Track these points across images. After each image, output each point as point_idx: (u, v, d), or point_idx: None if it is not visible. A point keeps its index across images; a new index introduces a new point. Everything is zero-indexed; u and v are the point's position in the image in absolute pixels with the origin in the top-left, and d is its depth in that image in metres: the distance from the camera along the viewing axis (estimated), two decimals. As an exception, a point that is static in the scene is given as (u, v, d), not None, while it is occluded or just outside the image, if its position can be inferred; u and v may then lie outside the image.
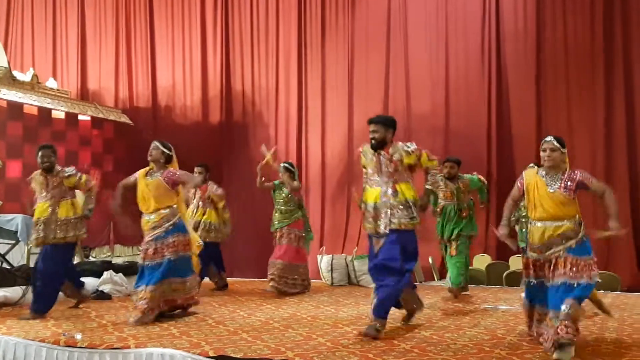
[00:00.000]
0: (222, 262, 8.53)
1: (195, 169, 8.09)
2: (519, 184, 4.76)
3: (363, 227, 5.41)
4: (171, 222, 5.91)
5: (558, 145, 4.58)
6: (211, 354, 4.32)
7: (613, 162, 9.18)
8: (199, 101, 12.00)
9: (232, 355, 4.27)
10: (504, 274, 8.56)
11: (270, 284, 7.83)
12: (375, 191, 5.16)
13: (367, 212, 5.19)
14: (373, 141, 5.19)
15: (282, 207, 8.04)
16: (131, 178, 6.09)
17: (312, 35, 11.33)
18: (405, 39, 10.59)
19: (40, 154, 6.24)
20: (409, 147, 5.14)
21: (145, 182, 5.97)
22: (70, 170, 6.35)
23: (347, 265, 8.98)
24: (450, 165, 7.30)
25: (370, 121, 5.25)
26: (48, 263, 6.16)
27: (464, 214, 7.28)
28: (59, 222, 6.19)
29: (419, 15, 10.53)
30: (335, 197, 10.95)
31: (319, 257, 9.44)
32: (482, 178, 7.65)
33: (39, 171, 6.33)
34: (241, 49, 11.87)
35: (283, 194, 8.04)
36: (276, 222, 8.05)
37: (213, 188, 8.19)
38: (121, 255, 10.64)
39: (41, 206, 6.25)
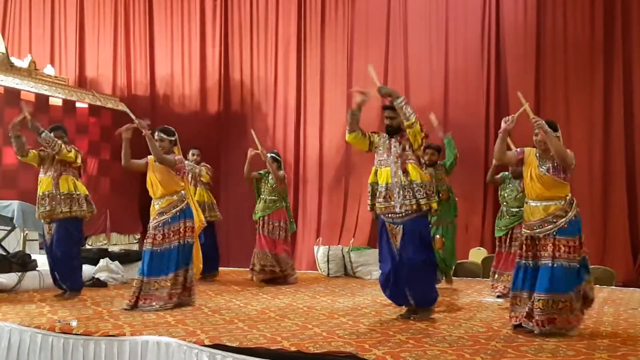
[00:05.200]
0: (217, 247, 8.60)
1: (192, 152, 8.35)
2: (517, 152, 4.97)
3: (373, 209, 5.39)
4: (179, 208, 5.96)
5: (549, 129, 4.70)
6: (207, 342, 4.32)
7: (610, 156, 9.18)
8: (197, 91, 11.97)
9: (228, 344, 4.28)
10: (500, 268, 8.57)
11: (255, 275, 7.96)
12: (385, 171, 5.26)
13: (378, 192, 5.28)
14: (389, 127, 5.31)
15: (267, 197, 8.08)
16: (142, 161, 6.10)
17: (311, 26, 11.28)
18: (404, 31, 10.55)
19: (52, 135, 6.36)
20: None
21: (153, 168, 6.00)
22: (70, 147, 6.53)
23: (344, 257, 8.99)
24: (431, 152, 7.34)
25: (386, 107, 5.34)
26: (61, 245, 6.41)
27: (444, 196, 7.40)
28: (62, 197, 6.38)
29: (419, 8, 10.48)
30: (332, 188, 10.94)
31: (315, 247, 9.45)
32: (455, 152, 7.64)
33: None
34: (240, 39, 11.83)
35: (269, 184, 8.07)
36: (259, 212, 8.09)
37: (202, 170, 8.37)
38: (117, 243, 10.65)
39: (45, 180, 6.45)
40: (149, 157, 6.07)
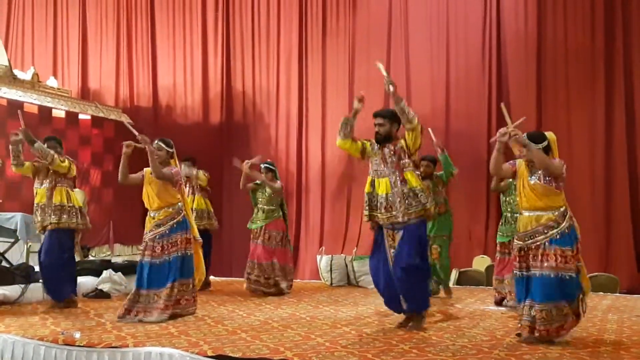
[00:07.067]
0: (210, 257, 8.45)
1: (184, 164, 8.09)
2: (510, 165, 4.93)
3: (371, 220, 5.35)
4: (176, 220, 5.94)
5: (528, 141, 4.70)
6: (210, 353, 4.32)
7: (613, 164, 9.18)
8: (200, 101, 12.01)
9: (231, 354, 4.28)
10: (504, 276, 8.55)
11: (248, 285, 7.88)
12: (384, 181, 5.22)
13: (379, 203, 5.22)
14: (378, 135, 5.27)
15: (265, 207, 7.99)
16: (139, 174, 6.12)
17: (313, 36, 11.33)
18: (406, 40, 10.58)
19: (45, 145, 6.42)
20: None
21: (149, 180, 6.00)
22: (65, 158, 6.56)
23: (347, 266, 8.98)
24: (426, 164, 7.34)
25: (376, 114, 5.33)
26: (49, 246, 6.43)
27: (442, 209, 7.34)
28: (53, 207, 6.40)
29: (420, 17, 10.52)
30: (335, 198, 10.95)
31: (318, 257, 9.44)
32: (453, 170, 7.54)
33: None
34: (242, 49, 11.88)
35: (265, 194, 7.99)
36: (258, 221, 7.99)
37: (199, 173, 8.37)
38: (121, 254, 10.64)
39: (40, 191, 6.52)
40: (145, 169, 6.08)
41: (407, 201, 5.15)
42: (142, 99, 12.27)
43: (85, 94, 12.35)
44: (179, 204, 6.04)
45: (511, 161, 5.02)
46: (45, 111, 10.15)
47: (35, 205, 6.52)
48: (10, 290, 6.74)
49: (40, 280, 6.78)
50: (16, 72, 10.49)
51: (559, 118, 9.47)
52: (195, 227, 6.31)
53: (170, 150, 6.11)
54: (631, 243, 8.91)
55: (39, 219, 6.46)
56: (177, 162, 6.26)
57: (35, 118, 10.00)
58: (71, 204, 6.49)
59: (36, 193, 6.54)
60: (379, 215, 5.26)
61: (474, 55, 10.09)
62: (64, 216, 6.42)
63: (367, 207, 5.34)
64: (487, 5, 10.01)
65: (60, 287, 6.52)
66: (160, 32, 12.35)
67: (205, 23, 12.12)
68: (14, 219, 7.55)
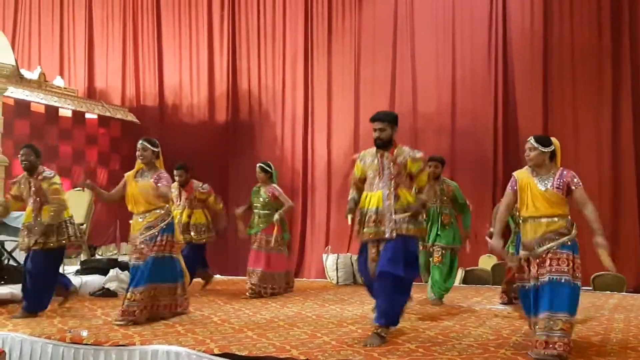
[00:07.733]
0: (206, 259, 8.45)
1: (175, 172, 7.84)
2: (511, 188, 4.66)
3: (357, 234, 5.11)
4: (166, 222, 5.81)
5: (536, 144, 4.54)
6: (216, 351, 4.34)
7: (620, 163, 9.15)
8: (206, 100, 12.02)
9: (237, 353, 4.30)
10: (510, 275, 8.54)
11: (249, 293, 7.61)
12: (376, 195, 4.93)
13: (367, 217, 4.94)
14: (379, 140, 4.97)
15: (261, 211, 7.83)
16: (120, 184, 6.02)
17: (318, 34, 11.32)
18: (412, 38, 10.57)
19: (20, 153, 6.16)
20: (416, 153, 5.00)
21: (136, 184, 5.85)
22: (49, 173, 6.17)
23: (353, 265, 8.99)
24: (434, 164, 6.90)
25: (375, 118, 5.02)
26: (35, 265, 6.06)
27: (445, 220, 7.00)
28: (42, 227, 6.03)
29: (426, 15, 10.51)
30: (340, 197, 10.92)
31: (324, 256, 9.46)
32: (468, 202, 7.24)
33: (24, 174, 6.21)
34: (248, 48, 11.88)
35: (261, 198, 7.84)
36: (254, 226, 7.88)
37: (198, 185, 8.04)
38: (127, 253, 10.66)
39: (28, 211, 6.16)
40: (126, 175, 5.97)
41: (396, 216, 4.85)
42: (148, 98, 12.30)
43: (91, 94, 12.38)
44: (167, 206, 5.91)
45: (509, 187, 4.70)
46: (52, 111, 10.19)
47: (22, 225, 6.18)
48: (18, 289, 6.74)
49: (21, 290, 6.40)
50: (23, 71, 10.52)
51: (565, 116, 9.44)
52: (178, 230, 6.15)
53: (156, 150, 5.89)
54: (638, 242, 8.88)
55: (25, 240, 6.05)
56: (162, 162, 6.00)
57: (42, 118, 10.05)
58: (60, 219, 6.11)
59: (25, 212, 6.22)
60: (365, 230, 4.95)
61: (480, 53, 10.07)
62: (53, 236, 6.06)
63: (357, 223, 5.07)
64: (492, 3, 9.98)
65: (40, 300, 6.14)
66: (166, 32, 12.38)
67: (211, 22, 12.13)
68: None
